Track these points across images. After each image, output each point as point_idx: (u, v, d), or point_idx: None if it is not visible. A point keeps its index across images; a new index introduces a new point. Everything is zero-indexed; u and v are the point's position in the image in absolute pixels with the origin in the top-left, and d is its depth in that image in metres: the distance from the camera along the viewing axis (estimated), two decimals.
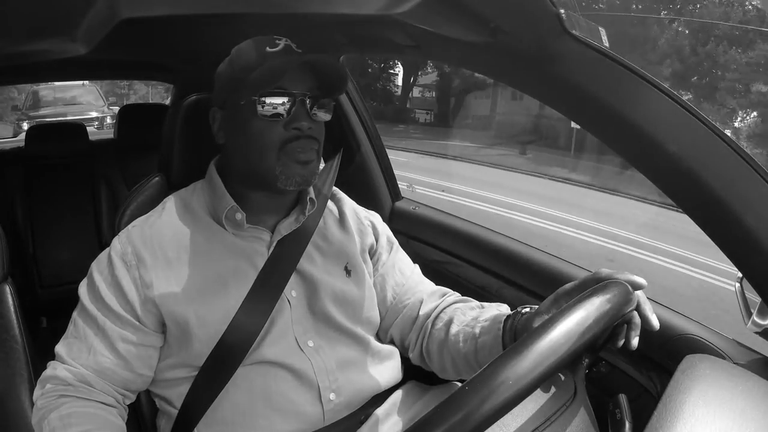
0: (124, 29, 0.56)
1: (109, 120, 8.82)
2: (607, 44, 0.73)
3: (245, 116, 0.84)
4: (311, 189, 0.93)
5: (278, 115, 0.82)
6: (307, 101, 0.84)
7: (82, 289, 0.86)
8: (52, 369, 0.83)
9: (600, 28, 0.75)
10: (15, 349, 0.90)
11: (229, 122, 0.88)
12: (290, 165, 0.83)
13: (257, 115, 0.82)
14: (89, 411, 0.80)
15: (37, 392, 0.83)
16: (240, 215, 0.87)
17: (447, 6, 0.67)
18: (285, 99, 0.82)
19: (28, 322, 0.97)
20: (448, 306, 0.96)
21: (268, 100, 0.82)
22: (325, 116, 0.87)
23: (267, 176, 0.84)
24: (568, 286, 0.75)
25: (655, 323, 0.67)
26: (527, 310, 0.80)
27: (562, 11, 0.66)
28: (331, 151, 1.12)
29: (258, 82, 0.81)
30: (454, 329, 0.90)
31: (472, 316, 0.89)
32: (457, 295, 1.00)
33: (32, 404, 0.83)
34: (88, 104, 9.69)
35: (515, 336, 0.79)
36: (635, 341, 0.66)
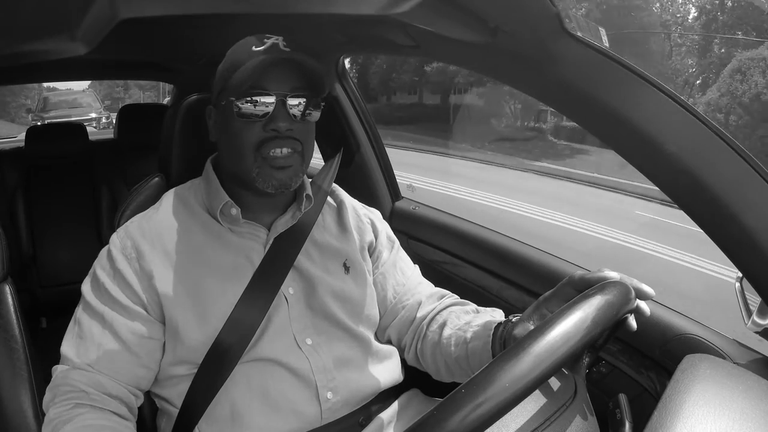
0: (124, 29, 0.56)
1: (104, 120, 10.29)
2: (607, 44, 0.73)
3: (227, 116, 0.84)
4: (308, 186, 0.93)
5: (254, 115, 0.81)
6: (288, 101, 0.82)
7: (86, 287, 0.86)
8: (63, 374, 0.80)
9: (600, 28, 0.75)
10: (15, 349, 0.90)
11: (217, 121, 0.89)
12: (266, 168, 0.83)
13: (234, 115, 0.82)
14: (104, 424, 0.77)
15: (47, 399, 0.80)
16: (235, 210, 0.87)
17: (447, 6, 0.67)
18: (263, 99, 0.81)
19: (28, 322, 0.97)
20: (444, 308, 0.95)
21: (245, 99, 0.81)
22: (310, 116, 0.85)
23: (246, 177, 0.84)
24: (547, 293, 0.76)
25: (647, 311, 0.68)
26: (517, 318, 0.80)
27: (562, 11, 0.66)
28: (331, 151, 1.12)
29: (237, 81, 0.80)
30: (446, 332, 0.90)
31: (466, 320, 0.89)
32: (455, 298, 0.99)
33: (33, 404, 0.82)
34: (88, 106, 11.23)
35: (504, 344, 0.79)
36: (634, 323, 0.66)
